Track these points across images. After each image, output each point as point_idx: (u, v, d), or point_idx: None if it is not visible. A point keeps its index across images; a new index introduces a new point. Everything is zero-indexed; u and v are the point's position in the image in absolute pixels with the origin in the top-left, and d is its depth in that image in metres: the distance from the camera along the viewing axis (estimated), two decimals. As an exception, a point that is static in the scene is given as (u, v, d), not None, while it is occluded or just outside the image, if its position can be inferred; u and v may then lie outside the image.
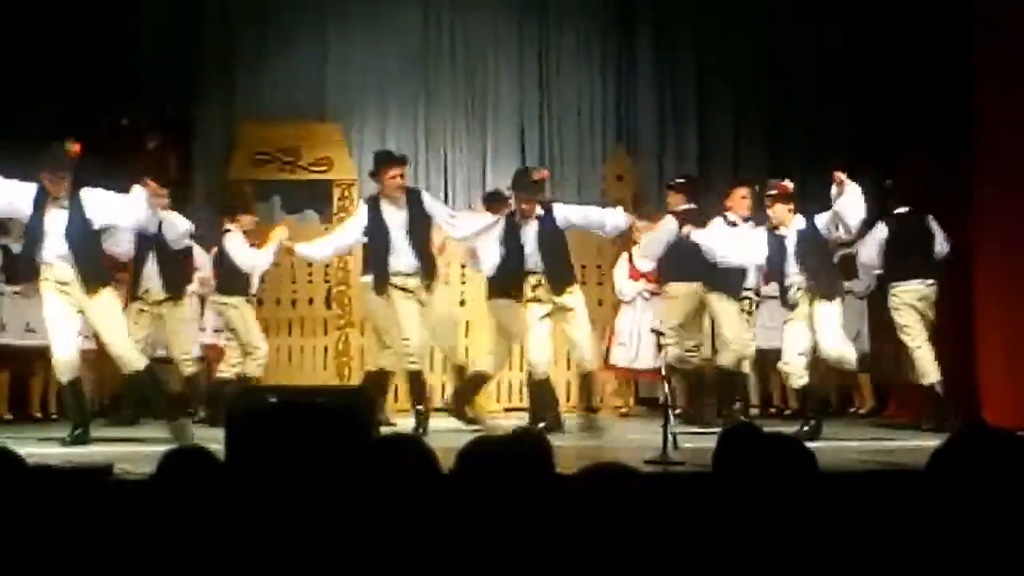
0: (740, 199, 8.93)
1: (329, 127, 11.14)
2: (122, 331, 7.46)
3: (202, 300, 9.75)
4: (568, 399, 10.39)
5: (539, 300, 8.33)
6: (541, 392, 8.43)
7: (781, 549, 2.56)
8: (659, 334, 7.59)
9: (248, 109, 11.26)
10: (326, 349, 10.75)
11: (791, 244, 7.95)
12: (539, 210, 8.40)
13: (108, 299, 7.36)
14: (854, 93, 10.54)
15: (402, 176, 8.34)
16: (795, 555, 2.55)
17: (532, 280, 8.31)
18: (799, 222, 7.96)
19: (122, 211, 7.48)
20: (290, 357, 10.67)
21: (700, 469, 5.23)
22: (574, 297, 8.43)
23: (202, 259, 9.78)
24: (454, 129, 11.50)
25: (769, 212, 8.08)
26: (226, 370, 9.30)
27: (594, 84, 11.61)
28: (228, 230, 9.09)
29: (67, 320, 7.25)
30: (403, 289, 8.20)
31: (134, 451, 6.39)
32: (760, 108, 11.55)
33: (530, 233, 8.32)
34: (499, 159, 11.40)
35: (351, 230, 8.61)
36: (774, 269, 8.19)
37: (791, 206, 8.00)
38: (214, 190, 10.54)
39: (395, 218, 8.26)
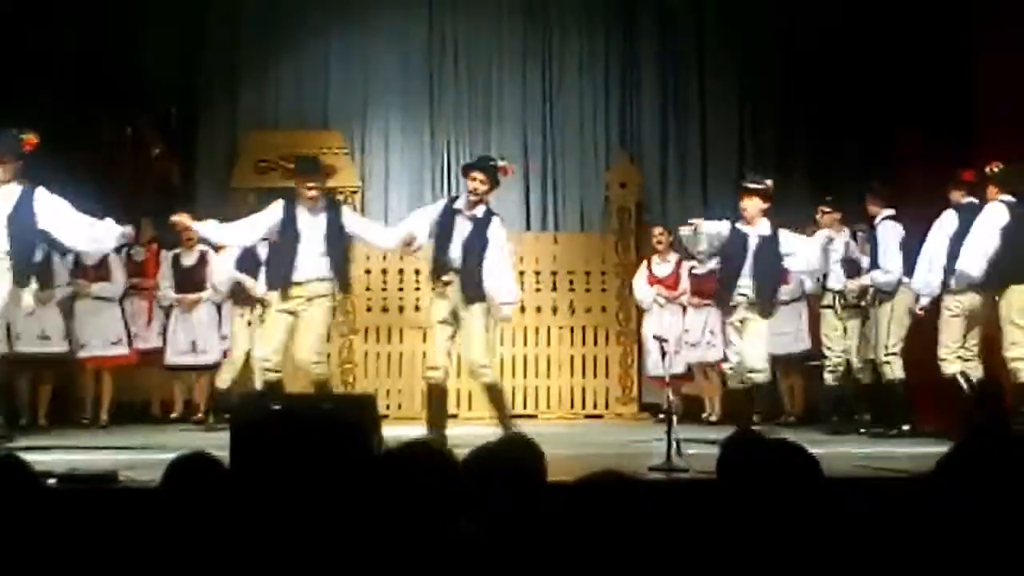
0: None
1: (332, 135, 11.17)
2: None
3: (219, 306, 9.76)
4: (573, 406, 10.42)
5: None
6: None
7: (784, 555, 2.56)
8: (663, 341, 7.56)
9: (252, 117, 11.30)
10: (329, 356, 10.73)
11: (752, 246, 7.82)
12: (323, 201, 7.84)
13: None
14: (860, 99, 10.51)
15: None
16: (798, 561, 2.55)
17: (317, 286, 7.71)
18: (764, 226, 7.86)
19: (78, 232, 7.28)
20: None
21: (704, 476, 5.22)
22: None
23: (218, 265, 9.76)
24: (457, 136, 11.53)
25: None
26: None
27: (597, 92, 11.63)
28: None
29: None
30: None
31: (139, 459, 6.39)
32: (765, 116, 11.55)
33: (318, 225, 7.73)
34: (502, 166, 11.41)
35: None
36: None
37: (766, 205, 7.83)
38: (217, 198, 10.55)
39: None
